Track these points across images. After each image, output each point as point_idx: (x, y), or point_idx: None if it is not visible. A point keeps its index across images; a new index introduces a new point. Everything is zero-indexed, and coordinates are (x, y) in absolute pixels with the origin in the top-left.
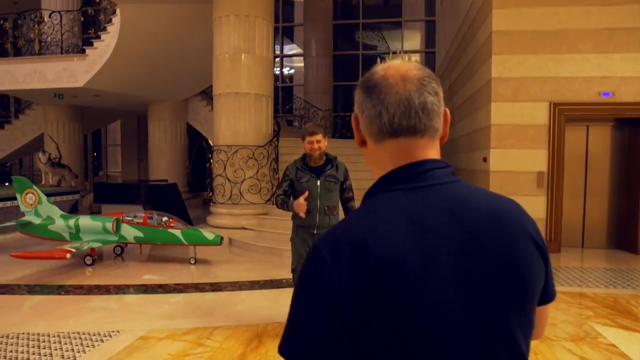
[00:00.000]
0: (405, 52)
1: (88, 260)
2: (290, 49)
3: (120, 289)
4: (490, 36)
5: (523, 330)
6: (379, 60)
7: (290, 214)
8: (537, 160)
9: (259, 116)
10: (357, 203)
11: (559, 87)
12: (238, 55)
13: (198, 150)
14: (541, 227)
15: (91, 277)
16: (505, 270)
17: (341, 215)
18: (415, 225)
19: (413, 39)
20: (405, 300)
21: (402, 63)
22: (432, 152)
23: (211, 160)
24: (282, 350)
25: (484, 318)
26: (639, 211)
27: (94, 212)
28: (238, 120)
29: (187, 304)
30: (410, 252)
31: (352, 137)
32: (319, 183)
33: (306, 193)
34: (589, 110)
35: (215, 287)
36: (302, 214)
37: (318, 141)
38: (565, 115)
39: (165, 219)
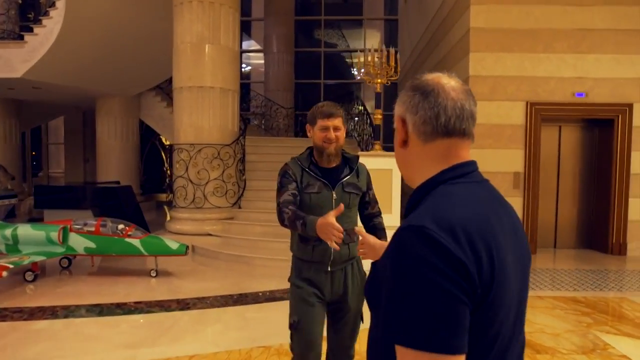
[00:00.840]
0: (362, 51)
1: (29, 276)
2: (248, 45)
3: (69, 311)
4: (467, 33)
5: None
6: (352, 58)
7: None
8: (514, 160)
9: (224, 112)
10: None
11: (535, 87)
12: (202, 45)
13: (150, 149)
14: None
15: (33, 296)
16: (527, 253)
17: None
18: (494, 213)
19: (373, 38)
20: (506, 276)
21: (446, 76)
22: (469, 154)
23: (167, 160)
24: (426, 344)
25: (521, 291)
26: (609, 211)
27: (34, 219)
28: (202, 116)
29: (151, 327)
30: (499, 235)
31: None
32: (334, 196)
33: (340, 207)
34: (564, 110)
35: (183, 304)
36: (334, 244)
37: (337, 128)
38: (541, 115)
39: (121, 226)
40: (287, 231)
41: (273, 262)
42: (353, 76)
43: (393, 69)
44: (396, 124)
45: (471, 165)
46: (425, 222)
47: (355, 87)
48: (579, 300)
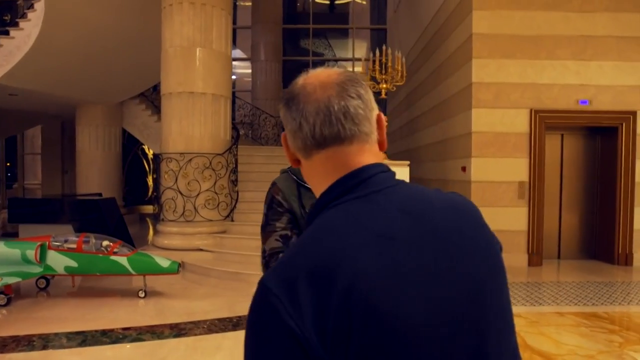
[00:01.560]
0: (356, 59)
1: (1, 300)
2: (233, 54)
3: (47, 340)
4: (469, 39)
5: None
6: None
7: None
8: (518, 169)
9: (216, 120)
10: None
11: (538, 94)
12: (192, 49)
13: (133, 159)
14: (523, 240)
15: (5, 324)
16: (482, 261)
17: None
18: (380, 237)
19: (360, 48)
20: (399, 318)
21: (323, 69)
22: (369, 157)
23: (152, 171)
24: None
25: (477, 322)
26: (614, 220)
27: (8, 234)
28: (192, 124)
29: (144, 358)
30: (380, 273)
31: None
32: None
33: None
34: (568, 118)
35: (177, 329)
36: None
37: None
38: (545, 123)
39: (106, 243)
40: None
41: None
42: None
43: (400, 74)
44: (283, 143)
45: (363, 172)
46: (269, 276)
47: None
48: (600, 316)
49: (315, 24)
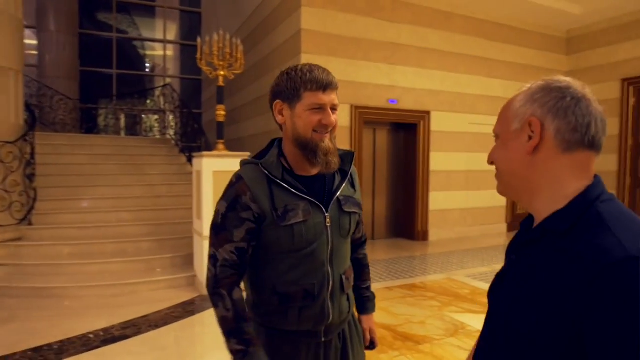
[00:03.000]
0: (168, 42)
1: None
2: None
3: None
4: (298, 34)
5: None
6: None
7: None
8: None
9: (3, 99)
10: None
11: (357, 91)
12: None
13: None
14: None
15: None
16: None
17: None
18: None
19: (170, 30)
20: None
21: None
22: None
23: None
24: None
25: None
26: (415, 203)
27: None
28: None
29: None
30: None
31: (98, 132)
32: (328, 220)
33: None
34: (380, 114)
35: None
36: None
37: (335, 108)
38: (363, 119)
39: None
40: (105, 248)
41: (91, 291)
42: (145, 68)
43: (239, 62)
44: (523, 127)
45: (601, 180)
46: (630, 245)
47: (148, 80)
48: (418, 286)
49: None
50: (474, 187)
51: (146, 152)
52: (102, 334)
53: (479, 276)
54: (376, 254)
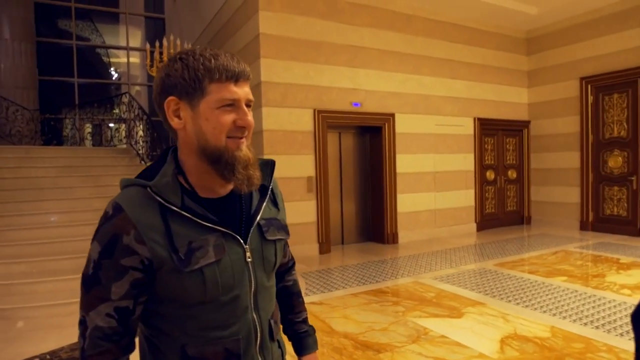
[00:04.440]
0: (132, 49)
1: None
2: None
3: None
4: (257, 38)
5: None
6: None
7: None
8: (306, 165)
9: None
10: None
11: (320, 95)
12: None
13: None
14: (314, 230)
15: None
16: None
17: None
18: None
19: (133, 36)
20: None
21: None
22: None
23: None
24: None
25: None
26: (383, 206)
27: None
28: None
29: None
30: None
31: (60, 143)
32: (248, 254)
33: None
34: (344, 118)
35: None
36: None
37: (249, 104)
38: (327, 122)
39: None
40: (61, 265)
41: (42, 311)
42: (111, 76)
43: None
44: None
45: None
46: None
47: (114, 88)
48: (385, 291)
49: (79, 3)
50: (442, 188)
51: (106, 163)
52: (48, 357)
53: (445, 278)
54: (346, 259)
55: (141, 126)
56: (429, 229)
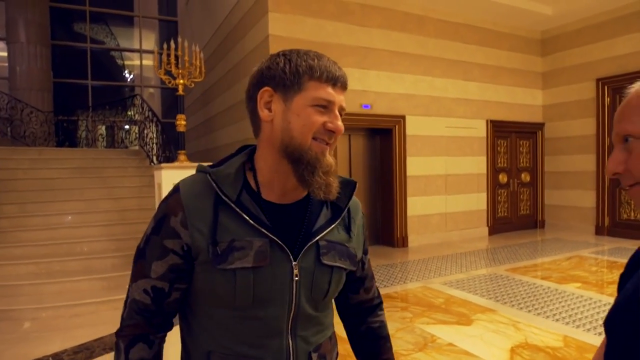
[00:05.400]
0: (144, 51)
1: None
2: None
3: None
4: (266, 39)
5: None
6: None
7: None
8: None
9: None
10: None
11: None
12: None
13: None
14: None
15: None
16: None
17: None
18: None
19: (147, 39)
20: None
21: None
22: None
23: None
24: None
25: None
26: (393, 209)
27: None
28: None
29: None
30: None
31: (73, 145)
32: (296, 272)
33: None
34: (354, 120)
35: None
36: None
37: (341, 112)
38: None
39: None
40: (69, 266)
41: (49, 312)
42: (125, 79)
43: (198, 69)
44: None
45: None
46: None
47: (127, 90)
48: (393, 297)
49: (94, 7)
50: (453, 191)
51: (117, 164)
52: (50, 359)
53: (455, 283)
54: None
55: (152, 128)
56: (440, 232)
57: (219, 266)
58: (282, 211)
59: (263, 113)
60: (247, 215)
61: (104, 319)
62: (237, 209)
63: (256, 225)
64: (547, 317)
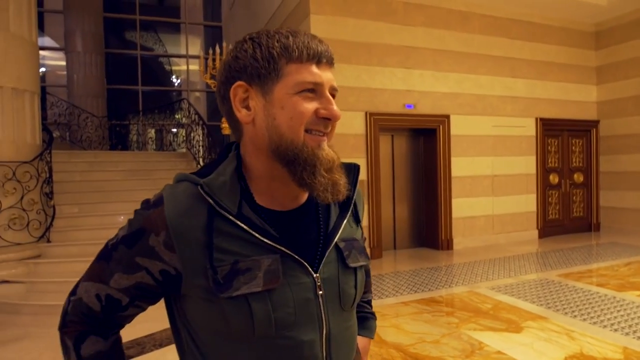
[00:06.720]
0: (190, 57)
1: None
2: (42, 41)
3: None
4: None
5: None
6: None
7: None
8: None
9: (20, 120)
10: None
11: (372, 98)
12: None
13: None
14: (366, 235)
15: None
16: None
17: None
18: None
19: (192, 44)
20: None
21: None
22: None
23: None
24: None
25: None
26: (437, 211)
27: None
28: None
29: None
30: None
31: (125, 148)
32: (319, 288)
33: None
34: (397, 120)
35: None
36: None
37: (334, 93)
38: (379, 125)
39: None
40: None
41: None
42: (173, 84)
43: None
44: None
45: None
46: None
47: (175, 95)
48: (438, 301)
49: (143, 16)
50: (500, 192)
51: (165, 167)
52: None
53: (503, 288)
54: (397, 265)
55: (198, 131)
56: (486, 235)
57: (223, 294)
58: (290, 219)
59: (241, 113)
60: (253, 230)
61: (154, 315)
62: (241, 223)
63: (265, 241)
64: (605, 326)
